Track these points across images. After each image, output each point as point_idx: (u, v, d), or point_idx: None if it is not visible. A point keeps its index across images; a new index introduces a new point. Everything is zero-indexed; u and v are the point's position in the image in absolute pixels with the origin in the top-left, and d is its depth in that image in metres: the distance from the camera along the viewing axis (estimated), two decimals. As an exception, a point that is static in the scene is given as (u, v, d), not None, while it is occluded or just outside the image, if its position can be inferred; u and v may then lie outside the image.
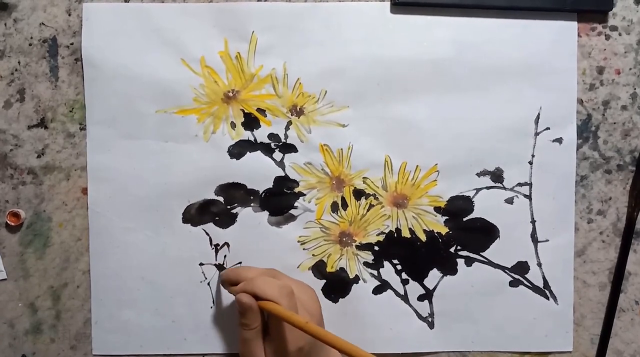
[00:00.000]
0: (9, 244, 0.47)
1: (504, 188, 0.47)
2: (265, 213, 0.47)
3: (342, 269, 0.47)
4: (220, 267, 0.47)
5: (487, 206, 0.47)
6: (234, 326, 0.46)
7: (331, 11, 0.46)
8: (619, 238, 0.47)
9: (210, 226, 0.47)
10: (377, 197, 0.47)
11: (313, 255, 0.47)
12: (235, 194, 0.47)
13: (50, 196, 0.47)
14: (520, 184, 0.47)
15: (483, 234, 0.47)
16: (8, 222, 0.46)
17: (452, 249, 0.47)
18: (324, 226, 0.47)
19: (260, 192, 0.47)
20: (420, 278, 0.47)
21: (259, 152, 0.47)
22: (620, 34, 0.47)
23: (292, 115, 0.47)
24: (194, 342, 0.47)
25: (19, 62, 0.46)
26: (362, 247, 0.47)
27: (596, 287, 0.48)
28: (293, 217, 0.47)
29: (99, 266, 0.47)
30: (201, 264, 0.47)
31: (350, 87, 0.46)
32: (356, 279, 0.47)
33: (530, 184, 0.47)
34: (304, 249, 0.47)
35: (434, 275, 0.47)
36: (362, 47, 0.46)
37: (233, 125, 0.47)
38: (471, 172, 0.47)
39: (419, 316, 0.47)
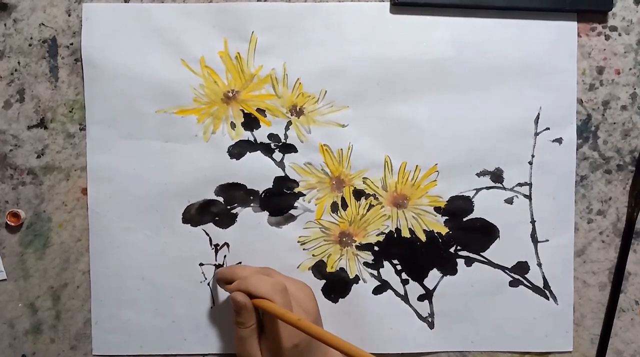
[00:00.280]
0: (9, 244, 0.47)
1: (504, 188, 0.47)
2: (265, 213, 0.47)
3: (342, 269, 0.47)
4: (220, 267, 0.47)
5: (487, 206, 0.47)
6: (234, 325, 0.46)
7: (331, 11, 0.46)
8: (619, 238, 0.47)
9: (210, 226, 0.47)
10: (377, 197, 0.47)
11: (313, 255, 0.47)
12: (235, 194, 0.47)
13: (50, 196, 0.47)
14: (520, 184, 0.47)
15: (483, 234, 0.47)
16: (8, 222, 0.46)
17: (452, 249, 0.47)
18: (324, 226, 0.47)
19: (260, 192, 0.47)
20: (420, 278, 0.47)
21: (258, 152, 0.47)
22: (620, 34, 0.47)
23: (292, 115, 0.47)
24: (194, 342, 0.47)
25: (18, 63, 0.46)
26: (362, 247, 0.47)
27: (596, 287, 0.48)
28: (293, 218, 0.47)
29: (99, 266, 0.47)
30: (201, 264, 0.47)
31: (350, 87, 0.46)
32: (356, 279, 0.47)
33: (530, 184, 0.47)
34: (304, 249, 0.47)
35: (434, 275, 0.47)
36: (362, 47, 0.46)
37: (233, 125, 0.47)
38: (471, 172, 0.47)
39: (419, 316, 0.47)
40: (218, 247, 0.47)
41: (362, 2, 0.46)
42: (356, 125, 0.47)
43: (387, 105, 0.46)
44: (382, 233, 0.47)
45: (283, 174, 0.47)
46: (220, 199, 0.47)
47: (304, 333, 0.38)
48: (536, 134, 0.47)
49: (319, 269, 0.47)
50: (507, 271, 0.47)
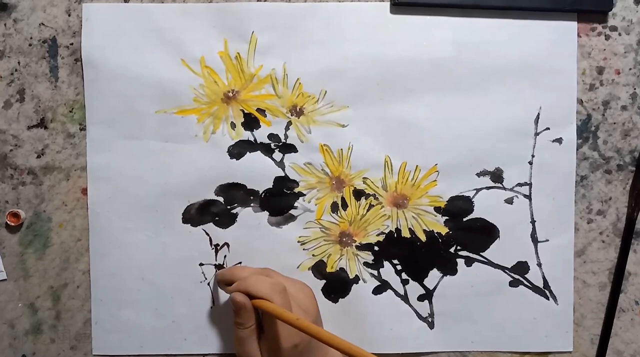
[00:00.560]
0: (9, 244, 0.47)
1: (504, 188, 0.47)
2: (265, 213, 0.47)
3: (342, 269, 0.47)
4: (220, 267, 0.47)
5: (487, 206, 0.47)
6: (233, 326, 0.46)
7: (331, 11, 0.46)
8: (619, 238, 0.47)
9: (210, 226, 0.47)
10: (377, 198, 0.47)
11: (313, 255, 0.47)
12: (235, 194, 0.47)
13: (50, 196, 0.47)
14: (520, 184, 0.47)
15: (483, 234, 0.47)
16: (8, 222, 0.46)
17: (452, 249, 0.47)
18: (324, 226, 0.47)
19: (260, 192, 0.47)
20: (420, 278, 0.47)
21: (258, 152, 0.47)
22: (620, 34, 0.47)
23: (292, 115, 0.47)
24: (194, 342, 0.47)
25: (18, 63, 0.46)
26: (362, 247, 0.47)
27: (596, 287, 0.48)
28: (293, 218, 0.47)
29: (99, 266, 0.47)
30: (201, 264, 0.47)
31: (350, 87, 0.46)
32: (356, 279, 0.47)
33: (530, 184, 0.47)
34: (303, 249, 0.47)
35: (433, 275, 0.47)
36: (362, 47, 0.46)
37: (233, 125, 0.47)
38: (471, 172, 0.47)
39: (419, 316, 0.47)
40: (218, 247, 0.47)
41: (362, 2, 0.46)
42: (356, 125, 0.47)
43: (387, 105, 0.46)
44: (382, 233, 0.47)
45: (283, 174, 0.47)
46: (220, 199, 0.47)
47: (303, 333, 0.38)
48: (536, 134, 0.47)
49: (319, 269, 0.47)
50: (507, 271, 0.47)
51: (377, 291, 0.47)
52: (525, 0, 0.46)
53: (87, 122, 0.46)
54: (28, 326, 0.47)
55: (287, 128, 0.47)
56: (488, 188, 0.47)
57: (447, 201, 0.47)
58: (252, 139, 0.47)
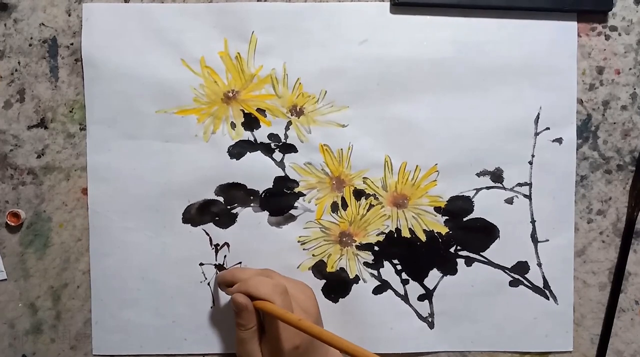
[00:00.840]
0: (9, 244, 0.47)
1: (504, 188, 0.47)
2: (265, 213, 0.47)
3: (342, 269, 0.47)
4: (220, 267, 0.47)
5: (487, 206, 0.47)
6: (234, 326, 0.46)
7: (331, 11, 0.46)
8: (619, 238, 0.48)
9: (210, 226, 0.47)
10: (377, 197, 0.47)
11: (313, 255, 0.47)
12: (235, 194, 0.47)
13: (50, 196, 0.47)
14: (520, 184, 0.47)
15: (483, 234, 0.47)
16: (8, 222, 0.46)
17: (452, 249, 0.47)
18: (324, 226, 0.47)
19: (260, 192, 0.47)
20: (420, 278, 0.47)
21: (259, 152, 0.47)
22: (620, 34, 0.47)
23: (292, 115, 0.47)
24: (194, 342, 0.47)
25: (19, 63, 0.46)
26: (362, 247, 0.47)
27: (596, 287, 0.48)
28: (293, 217, 0.47)
29: (99, 266, 0.47)
30: (201, 264, 0.47)
31: (350, 87, 0.46)
32: (356, 279, 0.47)
33: (530, 184, 0.47)
34: (304, 249, 0.47)
35: (434, 275, 0.47)
36: (362, 47, 0.46)
37: (233, 125, 0.47)
38: (471, 172, 0.47)
39: (419, 316, 0.47)
40: (218, 247, 0.47)
41: (362, 2, 0.46)
42: (356, 125, 0.47)
43: (387, 105, 0.46)
44: (382, 233, 0.47)
45: (283, 174, 0.47)
46: (221, 199, 0.47)
47: (304, 334, 0.38)
48: (536, 134, 0.47)
49: (319, 269, 0.47)
50: (507, 270, 0.47)
51: (377, 290, 0.47)
52: (525, 0, 0.46)
53: (87, 122, 0.46)
54: (28, 326, 0.47)
55: (287, 128, 0.47)
56: (488, 188, 0.47)
57: (447, 201, 0.47)
58: (252, 139, 0.47)
